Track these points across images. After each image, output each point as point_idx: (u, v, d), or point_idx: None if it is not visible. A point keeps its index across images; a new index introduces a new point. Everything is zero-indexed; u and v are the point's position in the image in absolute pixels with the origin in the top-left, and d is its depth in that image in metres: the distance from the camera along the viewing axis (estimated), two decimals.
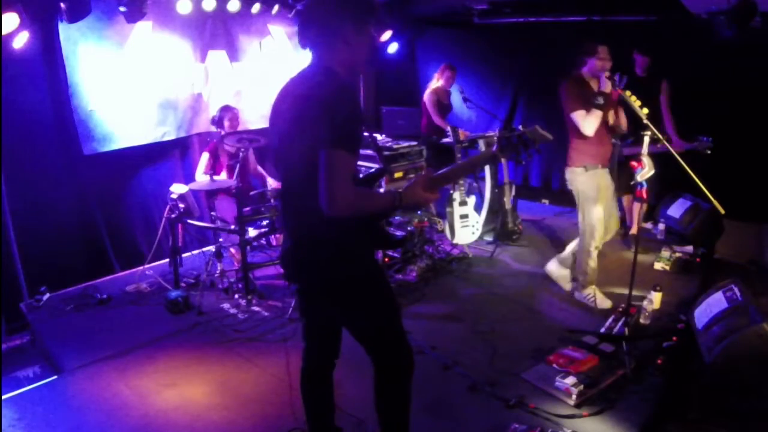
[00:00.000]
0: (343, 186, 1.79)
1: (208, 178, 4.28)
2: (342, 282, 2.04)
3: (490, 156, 2.06)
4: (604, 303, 3.98)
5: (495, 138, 1.78)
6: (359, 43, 1.96)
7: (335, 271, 2.02)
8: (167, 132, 5.10)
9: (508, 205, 5.33)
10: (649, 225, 5.48)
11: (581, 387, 2.91)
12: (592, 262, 3.97)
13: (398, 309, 2.22)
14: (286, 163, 2.04)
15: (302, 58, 6.30)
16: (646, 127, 3.37)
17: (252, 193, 4.71)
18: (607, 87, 3.59)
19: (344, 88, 1.86)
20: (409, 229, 4.69)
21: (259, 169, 5.07)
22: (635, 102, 3.43)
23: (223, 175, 4.68)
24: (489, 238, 5.41)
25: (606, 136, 3.85)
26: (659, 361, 3.18)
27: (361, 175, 2.21)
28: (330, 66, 1.95)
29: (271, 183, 4.95)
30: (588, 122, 3.63)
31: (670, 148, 3.55)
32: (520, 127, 2.02)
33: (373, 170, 2.36)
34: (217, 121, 4.87)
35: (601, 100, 3.57)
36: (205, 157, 4.70)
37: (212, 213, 4.66)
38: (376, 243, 2.21)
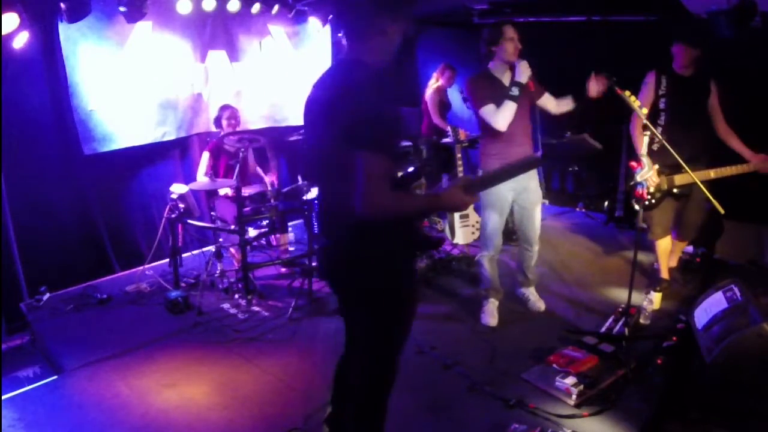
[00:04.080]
0: (380, 189, 1.73)
1: (208, 179, 4.28)
2: (371, 289, 1.97)
3: (534, 160, 2.00)
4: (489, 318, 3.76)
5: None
6: (395, 32, 1.93)
7: (368, 277, 1.94)
8: (167, 132, 5.11)
9: None
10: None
11: (581, 387, 2.91)
12: (485, 271, 3.76)
13: (407, 333, 2.10)
14: (321, 162, 1.99)
15: (302, 58, 6.33)
16: (645, 128, 3.35)
17: (252, 192, 4.72)
18: (523, 76, 3.26)
19: (380, 85, 1.82)
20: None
21: (258, 170, 5.07)
22: (634, 102, 3.38)
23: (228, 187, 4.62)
24: None
25: (518, 135, 3.47)
26: (659, 361, 3.18)
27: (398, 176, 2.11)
28: (361, 58, 1.91)
29: (267, 181, 4.94)
30: (501, 116, 3.29)
31: (672, 150, 3.44)
32: (569, 134, 1.97)
33: (409, 171, 2.29)
34: (216, 121, 4.88)
35: (516, 91, 3.23)
36: (205, 156, 4.70)
37: (212, 213, 4.66)
38: (415, 246, 2.11)
